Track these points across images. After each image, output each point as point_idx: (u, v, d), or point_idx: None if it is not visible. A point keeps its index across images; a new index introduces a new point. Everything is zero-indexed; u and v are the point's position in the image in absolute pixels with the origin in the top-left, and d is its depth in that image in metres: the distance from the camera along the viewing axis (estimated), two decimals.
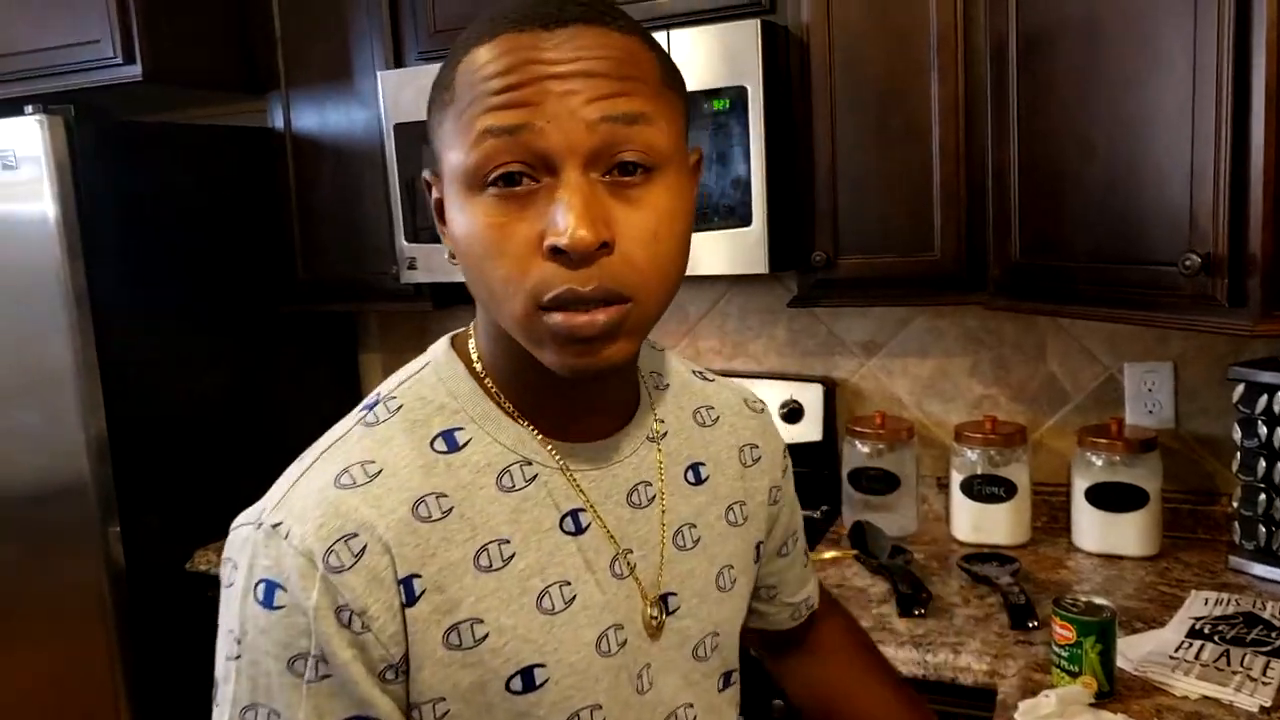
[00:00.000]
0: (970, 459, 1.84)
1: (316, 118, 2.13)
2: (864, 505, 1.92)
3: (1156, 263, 1.28)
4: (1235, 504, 1.64)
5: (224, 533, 0.70)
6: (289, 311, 2.28)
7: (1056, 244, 1.45)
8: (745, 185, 1.65)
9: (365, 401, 0.74)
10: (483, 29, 0.63)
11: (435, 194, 0.69)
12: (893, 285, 1.69)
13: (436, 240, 1.96)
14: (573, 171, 0.60)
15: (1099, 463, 1.75)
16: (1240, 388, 1.60)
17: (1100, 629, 1.25)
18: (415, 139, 1.93)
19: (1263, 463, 1.58)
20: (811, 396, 2.01)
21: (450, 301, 2.17)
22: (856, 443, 1.92)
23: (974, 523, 1.84)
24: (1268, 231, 1.15)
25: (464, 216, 0.63)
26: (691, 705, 0.77)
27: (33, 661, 2.08)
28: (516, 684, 0.67)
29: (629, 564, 0.73)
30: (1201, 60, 1.19)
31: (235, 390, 2.18)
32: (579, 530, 0.71)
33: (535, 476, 0.70)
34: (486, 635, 0.66)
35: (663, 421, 0.79)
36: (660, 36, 1.68)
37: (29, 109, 1.81)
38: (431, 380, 0.72)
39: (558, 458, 0.72)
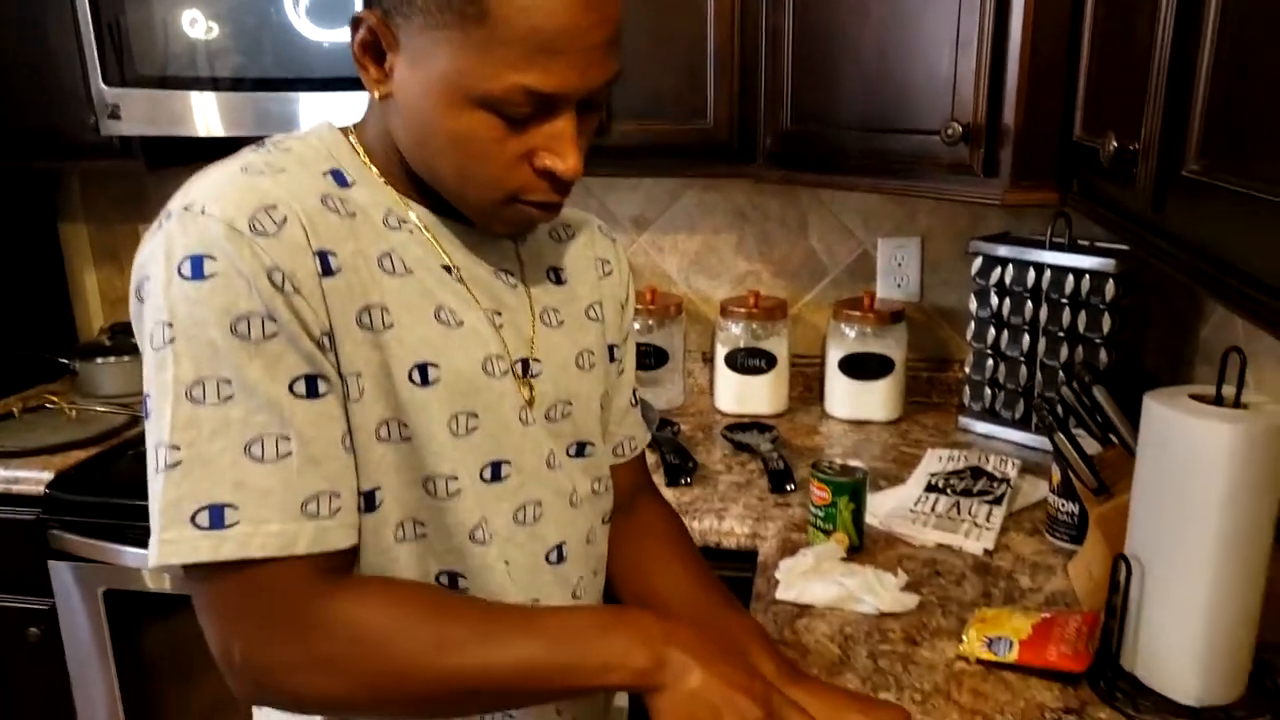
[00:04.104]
0: (734, 333, 1.87)
1: None
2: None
3: (921, 131, 1.30)
4: (967, 369, 1.78)
5: None
6: None
7: (827, 112, 1.46)
8: None
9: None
10: None
11: (371, 34, 0.72)
12: (666, 154, 1.64)
13: (146, 84, 1.68)
14: (571, 112, 0.72)
15: (851, 334, 1.83)
16: (978, 261, 1.71)
17: (853, 489, 1.31)
18: None
19: (992, 331, 1.71)
20: None
21: (168, 160, 1.90)
22: None
23: (736, 394, 1.89)
24: (1021, 104, 1.20)
25: (451, 119, 0.70)
26: (554, 453, 0.85)
27: None
28: (415, 376, 0.74)
29: (500, 322, 0.81)
30: None
31: None
32: (457, 279, 0.79)
33: (413, 231, 0.78)
34: (392, 325, 0.73)
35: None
36: None
37: None
38: (314, 142, 0.78)
39: (432, 223, 0.79)
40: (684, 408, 1.94)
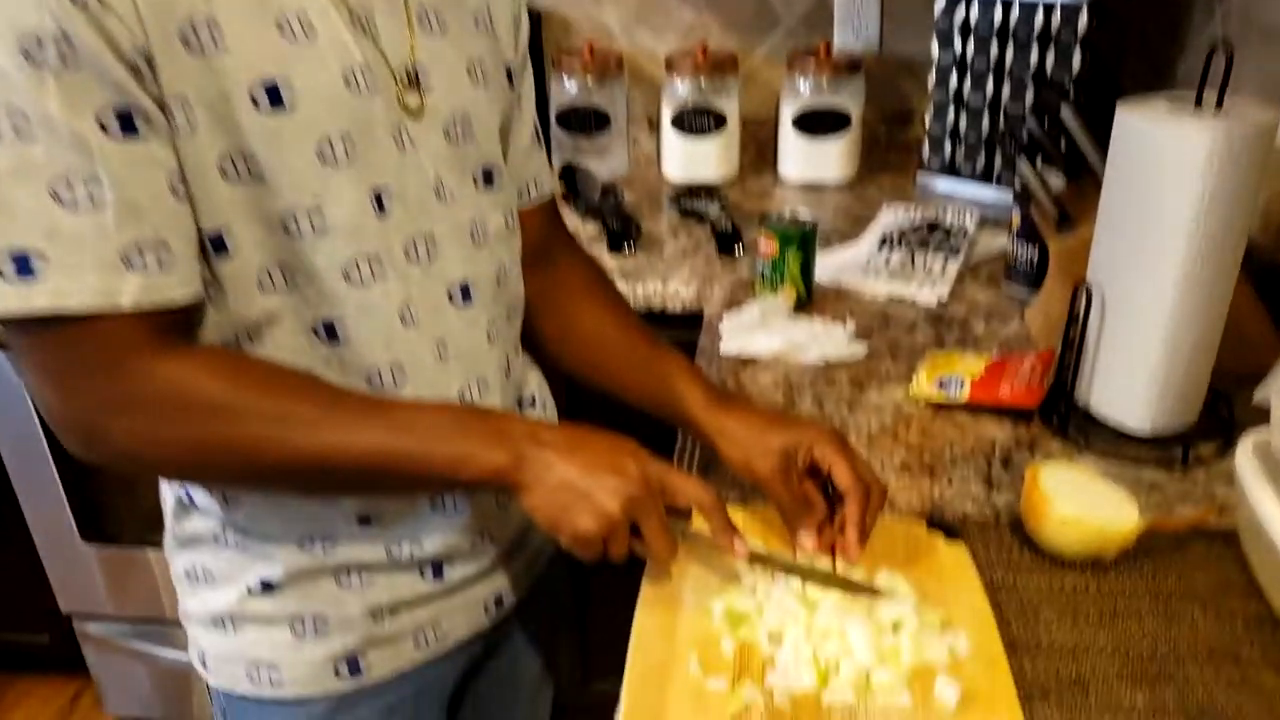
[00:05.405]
0: (681, 92, 1.73)
1: None
2: (574, 148, 1.78)
3: None
4: (927, 122, 1.67)
5: None
6: None
7: None
8: None
9: None
10: None
11: None
12: None
13: None
14: None
15: (806, 89, 1.70)
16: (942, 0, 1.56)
17: (801, 239, 1.23)
18: None
19: (954, 78, 1.59)
20: None
21: None
22: (565, 78, 1.74)
23: (684, 159, 1.77)
24: None
25: None
26: (445, 185, 0.75)
27: None
28: (262, 99, 0.64)
29: (372, 28, 0.70)
30: None
31: None
32: None
33: None
34: (224, 43, 0.62)
35: None
36: None
37: None
38: None
39: None
40: (629, 178, 1.82)
